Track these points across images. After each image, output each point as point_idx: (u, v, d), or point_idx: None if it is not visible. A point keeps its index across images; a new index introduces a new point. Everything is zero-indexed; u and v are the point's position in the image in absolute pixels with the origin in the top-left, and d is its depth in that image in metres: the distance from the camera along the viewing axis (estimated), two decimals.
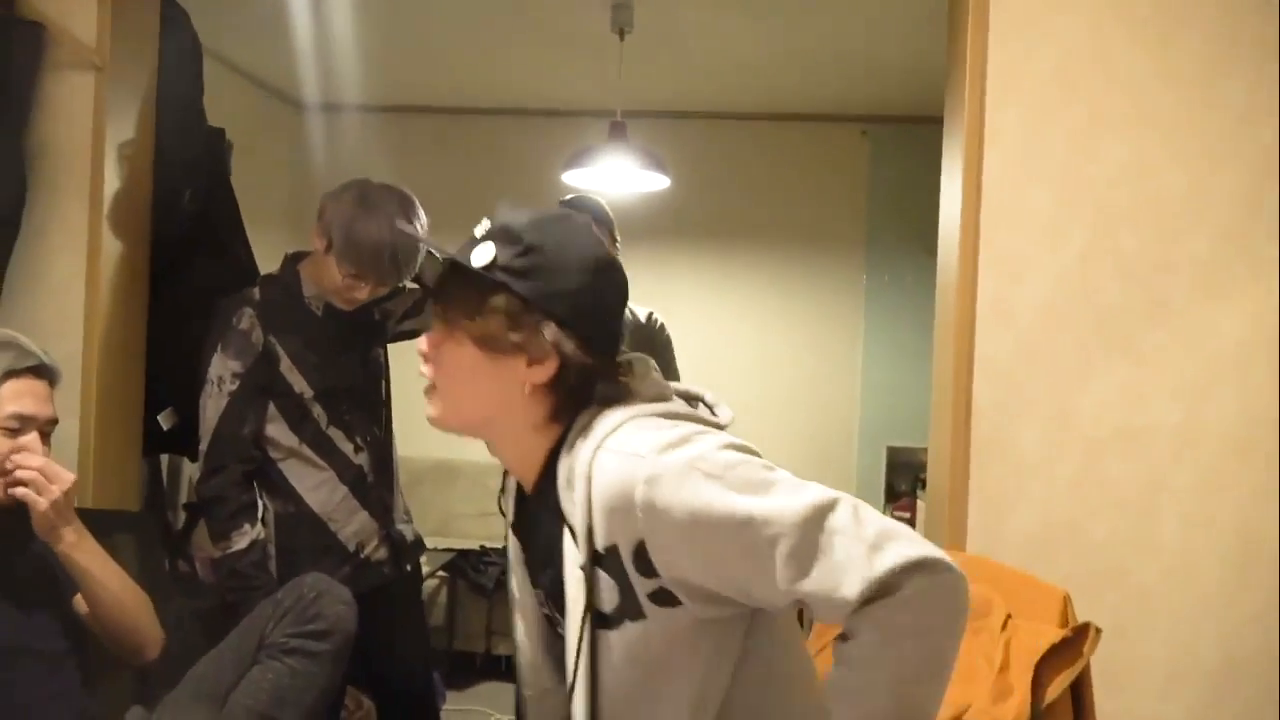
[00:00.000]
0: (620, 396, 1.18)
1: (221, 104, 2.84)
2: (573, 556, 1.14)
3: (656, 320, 3.09)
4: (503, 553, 1.39)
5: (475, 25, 3.78)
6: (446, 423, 1.21)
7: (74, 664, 1.71)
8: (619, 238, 2.85)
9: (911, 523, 4.33)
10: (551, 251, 1.15)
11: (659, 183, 3.77)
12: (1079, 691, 1.72)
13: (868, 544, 1.02)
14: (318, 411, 2.20)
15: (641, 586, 1.10)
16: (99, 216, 2.30)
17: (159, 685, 1.78)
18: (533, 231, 1.15)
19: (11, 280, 2.26)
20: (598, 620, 1.14)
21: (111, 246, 2.34)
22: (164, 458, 3.19)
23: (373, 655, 2.12)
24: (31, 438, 1.68)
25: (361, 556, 2.26)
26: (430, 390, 1.21)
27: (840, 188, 4.88)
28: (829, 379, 4.90)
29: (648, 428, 1.13)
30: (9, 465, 1.64)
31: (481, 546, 4.43)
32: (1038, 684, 1.66)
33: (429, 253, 1.89)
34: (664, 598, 1.10)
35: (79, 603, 1.76)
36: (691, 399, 1.26)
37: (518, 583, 1.33)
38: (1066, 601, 1.80)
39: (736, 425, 1.22)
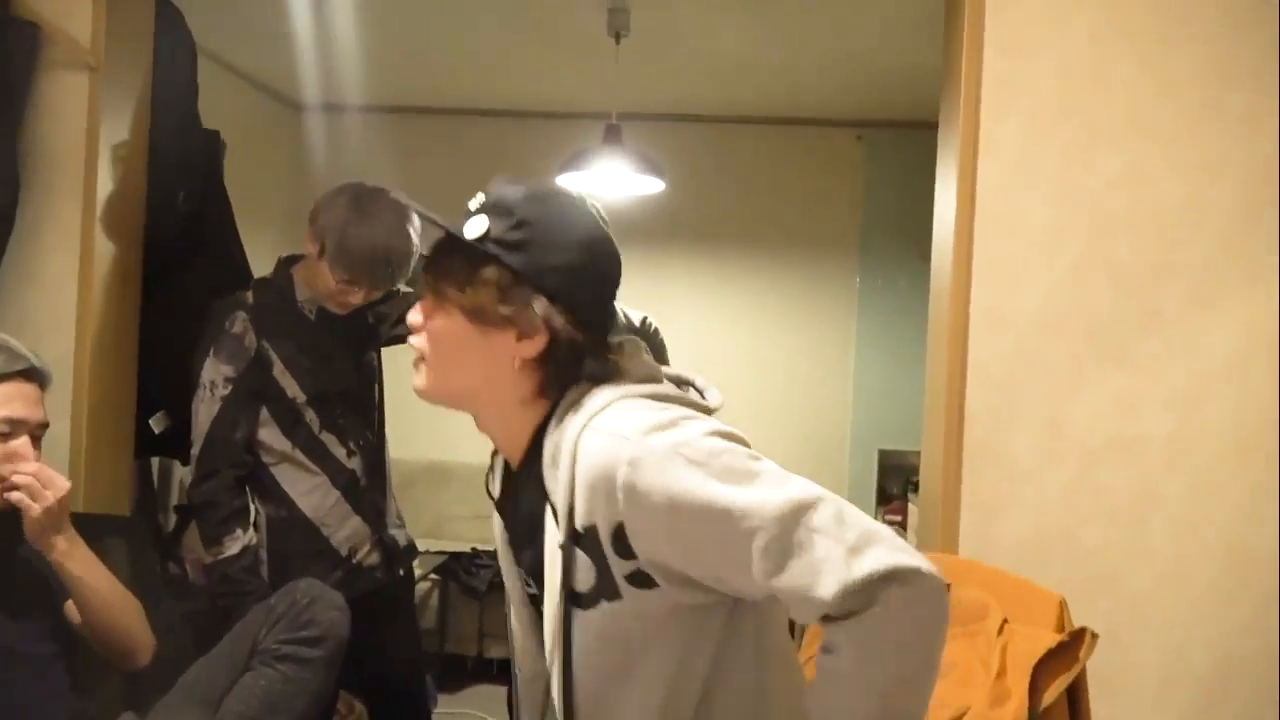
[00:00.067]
0: (609, 375, 1.17)
1: (218, 104, 2.83)
2: (553, 535, 1.13)
3: (651, 325, 3.08)
4: (495, 555, 1.38)
5: (471, 27, 3.77)
6: (433, 393, 1.20)
7: (63, 668, 1.70)
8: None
9: (903, 525, 4.34)
10: (544, 226, 1.14)
11: (654, 186, 3.77)
12: (1075, 696, 1.73)
13: (847, 546, 1.00)
14: (310, 416, 2.19)
15: (619, 568, 1.09)
16: (92, 217, 2.30)
17: (151, 690, 1.78)
18: (526, 205, 1.15)
19: (4, 280, 2.25)
20: (574, 600, 1.13)
21: (104, 247, 2.34)
22: (154, 459, 3.18)
23: (365, 659, 2.11)
24: (22, 442, 1.67)
25: (354, 561, 2.25)
26: (419, 361, 1.20)
27: (835, 192, 4.89)
28: (822, 382, 4.91)
29: (636, 409, 1.12)
30: (5, 470, 1.63)
31: (474, 549, 4.41)
32: (1035, 688, 1.67)
33: (426, 225, 1.88)
34: (641, 580, 1.09)
35: (70, 609, 1.75)
36: (682, 383, 1.25)
37: (504, 563, 1.32)
38: (1063, 606, 1.81)
39: (728, 424, 1.21)
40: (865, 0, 3.32)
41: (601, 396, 1.14)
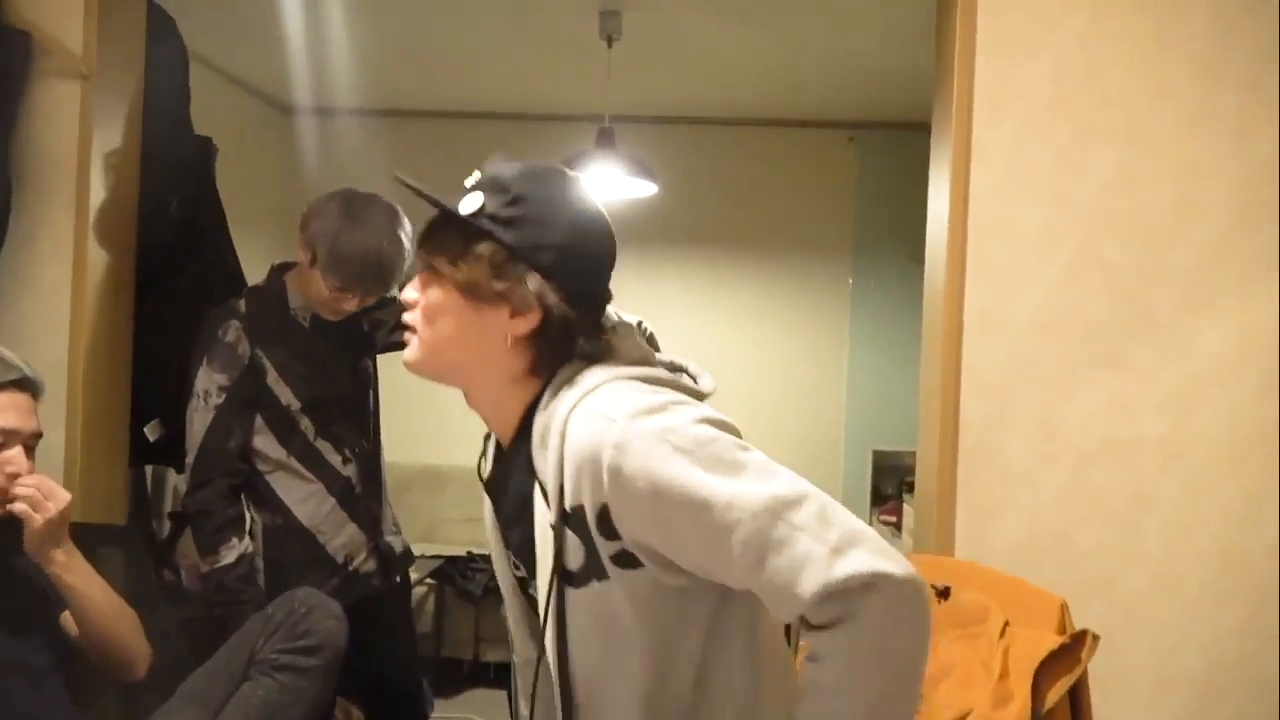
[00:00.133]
0: (602, 354, 1.17)
1: (210, 109, 2.82)
2: (544, 515, 1.13)
3: (646, 329, 3.08)
4: (490, 559, 1.37)
5: (464, 30, 3.77)
6: (423, 367, 1.20)
7: (61, 679, 1.70)
8: None
9: (898, 526, 4.35)
10: (539, 203, 1.14)
11: (646, 189, 3.77)
12: (1077, 697, 1.74)
13: (830, 546, 0.99)
14: (305, 423, 2.19)
15: (604, 548, 1.09)
16: (85, 224, 2.29)
17: (148, 699, 1.77)
18: (521, 182, 1.15)
19: None
20: (566, 579, 1.13)
21: (98, 255, 2.33)
22: (148, 466, 3.17)
23: (362, 665, 2.11)
24: (16, 452, 1.66)
25: (350, 568, 2.25)
26: (410, 334, 1.20)
27: (827, 194, 4.89)
28: (815, 383, 4.92)
29: (627, 390, 1.11)
30: (5, 481, 1.63)
31: (469, 553, 4.40)
32: (1037, 690, 1.68)
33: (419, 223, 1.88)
34: (626, 560, 1.09)
35: (68, 620, 1.75)
36: (675, 368, 1.25)
37: (493, 548, 1.32)
38: (1064, 609, 1.81)
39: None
40: (856, 3, 3.32)
41: (593, 377, 1.13)
